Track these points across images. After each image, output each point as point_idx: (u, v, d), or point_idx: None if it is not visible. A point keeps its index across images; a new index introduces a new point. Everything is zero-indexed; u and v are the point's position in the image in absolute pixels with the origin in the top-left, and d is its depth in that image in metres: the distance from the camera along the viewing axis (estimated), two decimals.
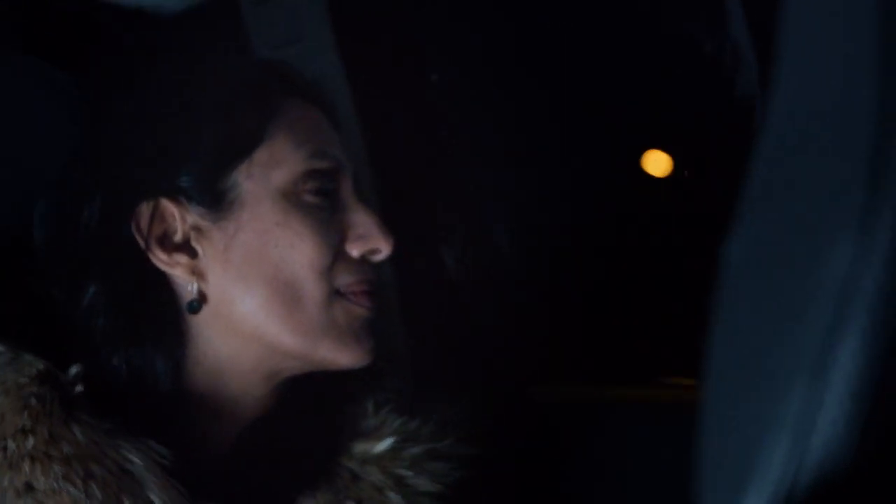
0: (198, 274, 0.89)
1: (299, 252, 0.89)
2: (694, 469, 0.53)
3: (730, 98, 1.40)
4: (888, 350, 0.44)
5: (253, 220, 0.89)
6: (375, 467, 0.91)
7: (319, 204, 0.91)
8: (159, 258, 0.88)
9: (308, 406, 0.95)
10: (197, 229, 0.89)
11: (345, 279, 0.91)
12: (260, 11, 1.30)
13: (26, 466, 0.78)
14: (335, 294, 0.91)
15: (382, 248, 0.94)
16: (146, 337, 0.88)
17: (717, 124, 1.42)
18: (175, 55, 1.03)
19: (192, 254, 0.89)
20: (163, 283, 0.90)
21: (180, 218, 0.89)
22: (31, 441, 0.79)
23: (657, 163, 1.56)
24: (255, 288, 0.88)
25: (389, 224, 0.95)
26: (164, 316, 0.89)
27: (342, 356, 0.91)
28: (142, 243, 0.88)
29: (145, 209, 0.89)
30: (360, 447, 0.92)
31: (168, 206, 0.89)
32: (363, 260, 0.94)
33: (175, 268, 0.89)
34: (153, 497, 0.80)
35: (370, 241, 0.93)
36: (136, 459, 0.81)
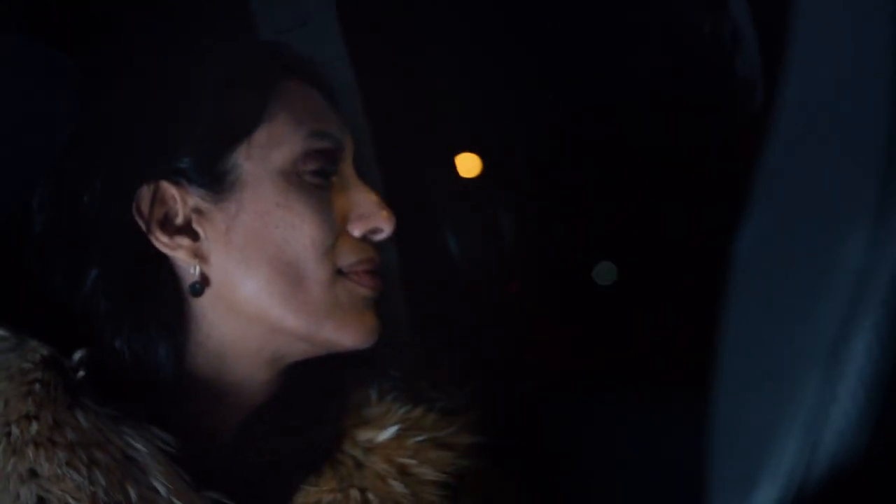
0: (200, 256, 0.89)
1: (301, 232, 0.88)
2: (705, 461, 0.52)
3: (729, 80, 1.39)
4: None
5: (254, 201, 0.88)
6: (379, 455, 0.91)
7: (320, 184, 0.91)
8: (161, 241, 0.88)
9: (312, 393, 0.95)
10: (198, 211, 0.89)
11: (347, 259, 0.91)
12: None
13: (30, 452, 0.78)
14: (338, 274, 0.91)
15: (384, 228, 0.94)
16: (148, 320, 0.87)
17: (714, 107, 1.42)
18: (174, 37, 1.02)
19: (194, 236, 0.89)
20: (165, 266, 0.89)
21: (181, 200, 0.89)
22: (34, 427, 0.78)
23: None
24: (257, 269, 0.88)
25: (392, 208, 0.95)
26: (166, 299, 0.89)
27: (346, 336, 0.91)
28: (143, 226, 0.88)
29: (146, 192, 0.88)
30: (363, 435, 0.92)
31: (169, 188, 0.89)
32: (365, 240, 0.94)
33: (177, 251, 0.88)
34: (157, 484, 0.80)
35: (371, 220, 0.93)
36: (140, 446, 0.80)
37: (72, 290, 0.88)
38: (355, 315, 0.91)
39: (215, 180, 0.89)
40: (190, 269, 0.89)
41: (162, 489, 0.80)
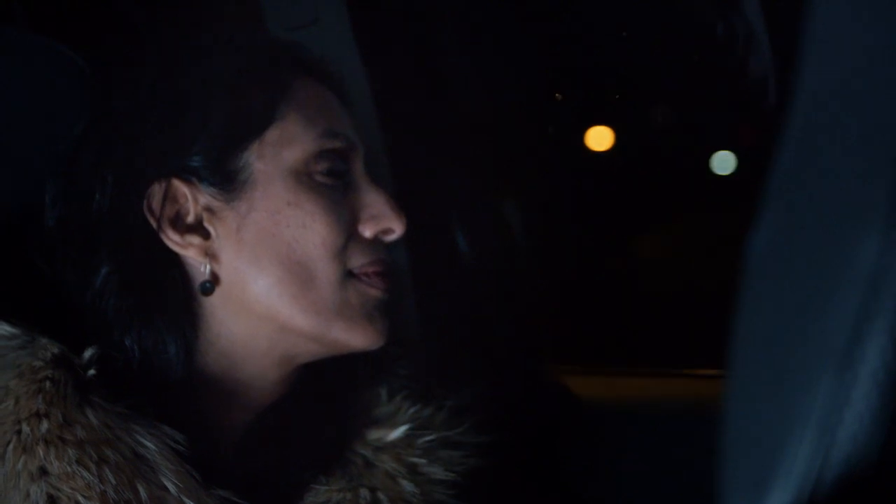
0: (210, 255, 0.89)
1: (312, 232, 0.88)
2: (717, 462, 0.52)
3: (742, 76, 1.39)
4: None
5: (265, 200, 0.88)
6: (389, 455, 0.91)
7: (331, 184, 0.91)
8: (172, 239, 0.88)
9: (321, 393, 0.95)
10: (209, 210, 0.89)
11: (358, 260, 0.91)
12: None
13: (40, 450, 0.78)
14: (348, 275, 0.91)
15: (395, 228, 0.94)
16: (158, 318, 0.87)
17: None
18: (186, 35, 1.02)
19: (205, 235, 0.89)
20: (175, 264, 0.89)
21: (192, 198, 0.89)
22: (45, 425, 0.78)
23: None
24: (267, 268, 0.88)
25: (403, 208, 0.94)
26: (176, 297, 0.89)
27: (355, 337, 0.91)
28: (154, 224, 0.88)
29: (157, 190, 0.88)
30: (373, 434, 0.92)
31: (180, 186, 0.89)
32: (376, 240, 0.94)
33: (188, 249, 0.88)
34: (167, 482, 0.80)
35: (383, 220, 0.93)
36: (150, 444, 0.80)
37: (82, 288, 0.89)
38: (365, 316, 0.91)
39: (227, 179, 0.89)
40: (200, 268, 0.89)
41: (172, 487, 0.80)
